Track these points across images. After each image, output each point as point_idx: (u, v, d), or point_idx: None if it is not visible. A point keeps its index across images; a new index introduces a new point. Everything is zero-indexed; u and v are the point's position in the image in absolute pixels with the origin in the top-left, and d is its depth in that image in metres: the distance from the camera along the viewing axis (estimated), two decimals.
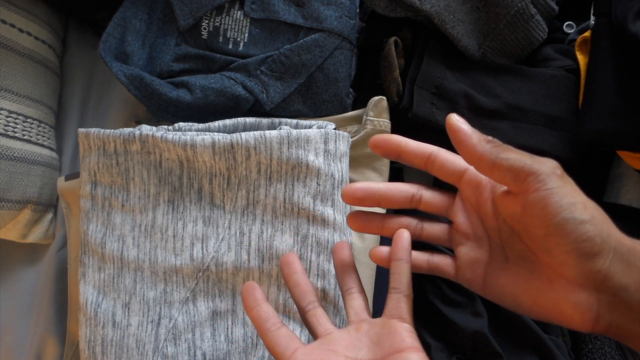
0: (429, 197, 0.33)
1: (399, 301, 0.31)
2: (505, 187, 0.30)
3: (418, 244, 0.34)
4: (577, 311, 0.26)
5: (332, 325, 0.33)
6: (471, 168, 0.31)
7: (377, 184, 0.33)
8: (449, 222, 0.34)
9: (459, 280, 0.33)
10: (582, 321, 0.26)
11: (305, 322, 0.34)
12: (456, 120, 0.29)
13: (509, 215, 0.29)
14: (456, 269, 0.33)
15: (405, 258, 0.32)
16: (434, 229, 0.34)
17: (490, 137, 0.28)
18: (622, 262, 0.25)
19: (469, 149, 0.28)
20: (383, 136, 0.32)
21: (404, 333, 0.30)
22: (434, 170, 0.32)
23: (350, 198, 0.33)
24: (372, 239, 0.45)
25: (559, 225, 0.25)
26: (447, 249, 0.35)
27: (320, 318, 0.34)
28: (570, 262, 0.26)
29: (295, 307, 0.40)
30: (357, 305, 0.34)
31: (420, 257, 0.34)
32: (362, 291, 0.35)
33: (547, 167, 0.26)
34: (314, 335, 0.33)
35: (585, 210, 0.25)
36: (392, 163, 0.49)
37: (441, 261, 0.33)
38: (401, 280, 0.31)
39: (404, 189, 0.33)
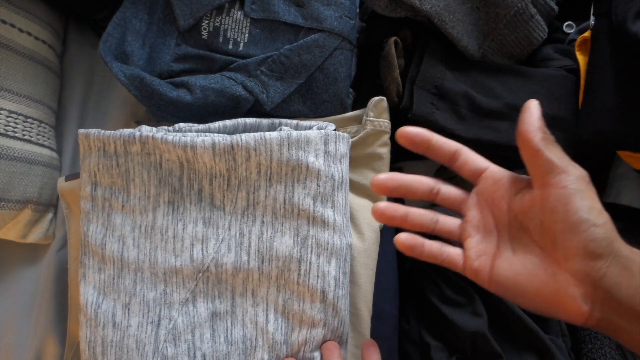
0: (446, 190, 0.36)
1: None
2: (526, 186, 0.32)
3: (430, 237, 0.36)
4: (574, 303, 0.29)
5: None
6: (491, 167, 0.34)
7: (403, 175, 0.35)
8: (461, 218, 0.36)
9: (466, 272, 0.34)
10: (578, 313, 0.29)
11: None
12: (534, 105, 0.32)
13: (524, 211, 0.32)
14: (464, 259, 0.34)
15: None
16: (447, 223, 0.36)
17: (549, 132, 0.31)
18: (618, 265, 0.28)
19: (530, 130, 0.31)
20: (414, 128, 0.35)
21: None
22: (456, 165, 0.35)
23: (381, 188, 0.35)
24: (372, 240, 0.45)
25: (575, 222, 0.28)
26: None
27: None
28: (576, 258, 0.29)
29: (295, 307, 0.40)
30: None
31: (436, 246, 0.35)
32: None
33: (579, 172, 0.30)
34: None
35: (600, 216, 0.29)
36: (392, 163, 0.49)
37: (452, 252, 0.35)
38: None
39: (425, 181, 0.36)
